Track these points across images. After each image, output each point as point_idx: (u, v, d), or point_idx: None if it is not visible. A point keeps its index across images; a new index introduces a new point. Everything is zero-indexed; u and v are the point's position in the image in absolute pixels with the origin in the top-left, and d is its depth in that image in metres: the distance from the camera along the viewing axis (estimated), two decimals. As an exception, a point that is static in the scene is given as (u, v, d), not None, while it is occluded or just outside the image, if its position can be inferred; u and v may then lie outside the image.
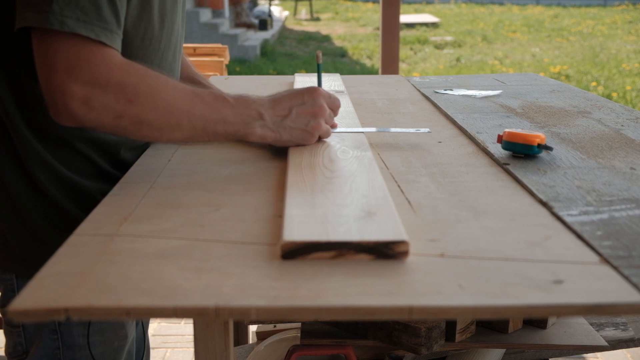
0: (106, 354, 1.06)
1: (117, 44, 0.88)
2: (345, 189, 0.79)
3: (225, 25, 10.04)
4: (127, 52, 0.93)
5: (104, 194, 0.85)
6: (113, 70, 0.84)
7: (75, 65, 0.82)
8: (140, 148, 1.07)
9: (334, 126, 1.05)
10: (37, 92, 0.90)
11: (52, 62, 0.82)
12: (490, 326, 1.10)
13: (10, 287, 1.04)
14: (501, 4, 17.46)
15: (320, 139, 1.01)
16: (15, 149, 0.98)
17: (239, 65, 8.36)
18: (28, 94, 0.95)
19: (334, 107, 1.02)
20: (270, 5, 13.45)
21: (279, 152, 0.99)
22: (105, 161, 1.02)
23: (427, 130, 1.11)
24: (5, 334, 1.06)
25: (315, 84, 1.21)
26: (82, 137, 0.99)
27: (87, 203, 0.97)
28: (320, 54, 1.13)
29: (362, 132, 1.08)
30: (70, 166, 1.00)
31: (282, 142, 0.98)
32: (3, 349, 2.32)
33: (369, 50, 9.96)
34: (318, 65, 1.14)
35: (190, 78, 1.24)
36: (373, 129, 1.12)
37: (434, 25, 12.56)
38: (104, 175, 1.02)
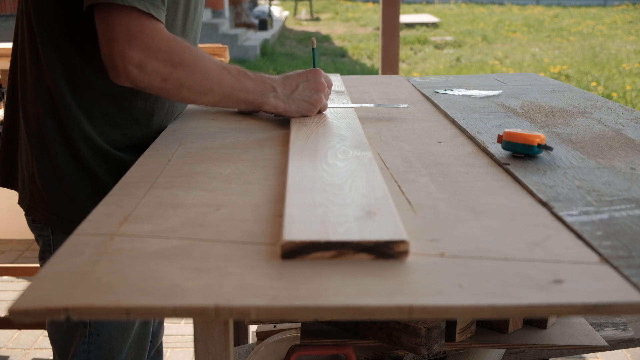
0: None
1: (163, 17, 1.06)
2: (345, 189, 0.78)
3: (225, 25, 10.04)
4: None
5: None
6: (163, 40, 1.04)
7: (133, 35, 1.01)
8: (170, 115, 1.25)
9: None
10: (86, 73, 1.12)
11: (114, 32, 1.01)
12: (490, 326, 1.10)
13: (47, 242, 1.19)
14: (501, 4, 17.46)
15: (320, 113, 1.23)
16: (59, 120, 1.13)
17: (239, 65, 8.34)
18: (78, 74, 1.12)
19: (330, 85, 1.26)
20: (270, 5, 13.46)
21: (278, 152, 0.99)
22: (137, 133, 1.18)
23: (406, 105, 1.33)
24: None
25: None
26: (120, 109, 1.16)
27: (118, 171, 1.09)
28: (314, 40, 1.34)
29: (352, 107, 1.29)
30: (107, 138, 1.16)
31: (290, 113, 1.19)
32: (3, 348, 2.33)
33: (369, 50, 9.96)
34: (313, 49, 1.33)
35: None
36: (357, 105, 1.33)
37: (434, 25, 12.56)
38: (135, 147, 1.17)
